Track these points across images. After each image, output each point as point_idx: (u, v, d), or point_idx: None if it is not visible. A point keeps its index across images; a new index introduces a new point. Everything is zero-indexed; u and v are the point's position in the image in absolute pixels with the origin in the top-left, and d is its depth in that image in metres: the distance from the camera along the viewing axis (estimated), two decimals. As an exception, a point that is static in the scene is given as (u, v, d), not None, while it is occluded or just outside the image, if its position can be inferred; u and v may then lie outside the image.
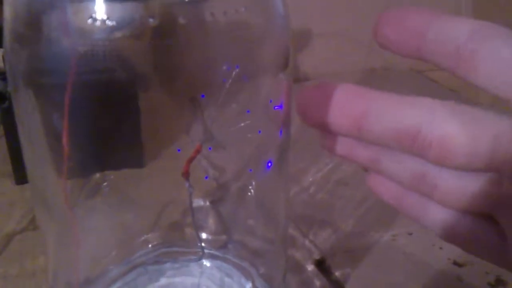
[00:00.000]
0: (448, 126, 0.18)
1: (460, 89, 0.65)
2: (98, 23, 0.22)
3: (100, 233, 0.32)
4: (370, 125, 0.19)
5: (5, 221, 0.41)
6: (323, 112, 0.20)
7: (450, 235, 0.21)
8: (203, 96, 0.25)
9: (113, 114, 0.29)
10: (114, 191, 0.33)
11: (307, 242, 0.40)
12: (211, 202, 0.35)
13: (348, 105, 0.19)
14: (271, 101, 0.25)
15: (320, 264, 0.38)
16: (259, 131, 0.26)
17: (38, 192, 0.28)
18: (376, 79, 0.72)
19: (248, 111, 0.26)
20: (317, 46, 0.70)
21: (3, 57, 0.48)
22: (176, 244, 0.34)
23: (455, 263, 0.38)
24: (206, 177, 0.31)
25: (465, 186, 0.19)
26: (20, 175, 0.45)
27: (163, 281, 0.32)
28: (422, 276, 0.37)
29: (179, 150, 0.28)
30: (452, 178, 0.19)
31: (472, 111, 0.18)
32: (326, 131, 0.21)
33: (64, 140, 0.26)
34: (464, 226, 0.20)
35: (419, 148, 0.18)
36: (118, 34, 0.23)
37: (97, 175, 0.32)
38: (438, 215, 0.21)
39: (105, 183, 0.32)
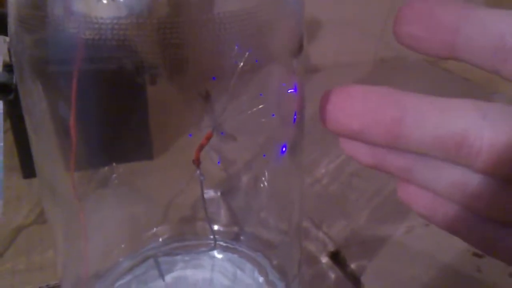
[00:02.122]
0: (500, 131, 0.16)
1: (474, 78, 0.63)
2: (104, 0, 0.21)
3: (109, 226, 0.32)
4: (408, 133, 0.17)
5: (12, 215, 0.40)
6: (351, 119, 0.18)
7: (490, 248, 0.19)
8: (214, 78, 0.24)
9: (121, 105, 0.29)
10: (123, 183, 0.32)
11: (321, 234, 0.39)
12: (222, 193, 0.34)
13: (381, 110, 0.17)
14: (284, 85, 0.24)
15: (335, 256, 0.37)
16: (273, 115, 0.25)
17: (46, 184, 0.28)
18: (388, 69, 0.71)
19: (261, 95, 0.25)
20: (327, 36, 0.69)
21: (8, 49, 0.48)
22: (186, 237, 0.33)
23: (475, 254, 0.37)
24: (219, 163, 0.30)
25: None
26: (28, 169, 0.45)
27: (174, 274, 0.31)
28: (440, 267, 0.36)
29: (190, 135, 0.27)
30: (499, 189, 0.17)
31: None
32: (355, 140, 0.19)
33: (72, 130, 0.25)
34: (509, 239, 0.18)
35: (465, 157, 0.16)
36: (125, 15, 0.22)
37: (106, 167, 0.32)
38: (477, 228, 0.19)
39: (114, 175, 0.32)
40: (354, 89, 0.18)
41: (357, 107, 0.18)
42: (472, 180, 0.18)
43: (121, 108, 0.29)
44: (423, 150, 0.17)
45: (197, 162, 0.25)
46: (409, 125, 0.17)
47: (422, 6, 0.18)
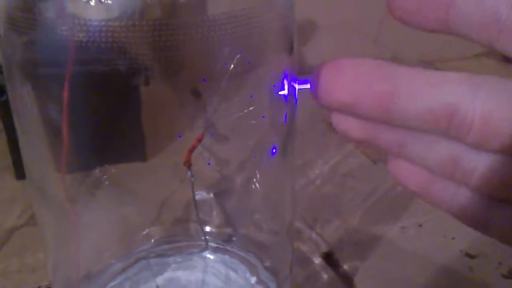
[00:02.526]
0: (492, 104, 0.16)
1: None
2: (92, 2, 0.21)
3: (101, 227, 0.32)
4: (400, 106, 0.17)
5: (5, 216, 0.40)
6: (343, 91, 0.18)
7: (482, 224, 0.19)
8: (204, 80, 0.24)
9: (113, 107, 0.29)
10: (115, 185, 0.32)
11: (314, 235, 0.39)
12: (214, 194, 0.34)
13: (373, 83, 0.17)
14: (274, 86, 0.24)
15: (328, 257, 0.37)
16: (263, 117, 0.25)
17: (36, 186, 0.28)
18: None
19: (251, 96, 0.25)
20: (322, 38, 0.69)
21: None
22: (179, 238, 0.33)
23: (467, 254, 0.37)
24: (209, 164, 0.30)
25: (507, 171, 0.17)
26: (21, 170, 0.44)
27: (166, 275, 0.31)
28: (433, 267, 0.36)
29: (180, 136, 0.27)
30: (492, 162, 0.17)
31: None
32: (347, 114, 0.18)
33: (64, 132, 0.25)
34: (501, 214, 0.18)
35: (457, 129, 0.16)
36: (116, 16, 0.22)
37: (98, 169, 0.32)
38: (470, 202, 0.18)
39: (105, 177, 0.32)
40: (345, 62, 0.18)
41: (349, 79, 0.18)
42: (464, 155, 0.17)
43: (113, 109, 0.29)
44: (416, 123, 0.17)
45: (188, 164, 0.25)
46: (401, 98, 0.17)
47: None
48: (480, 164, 0.17)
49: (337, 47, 0.70)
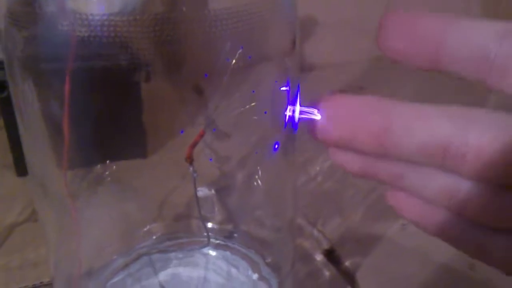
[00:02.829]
0: (484, 138, 0.16)
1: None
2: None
3: (103, 223, 0.32)
4: (395, 141, 0.17)
5: (6, 213, 0.40)
6: (340, 128, 0.18)
7: (481, 254, 0.19)
8: (206, 75, 0.24)
9: (114, 103, 0.28)
10: (116, 181, 0.32)
11: (315, 232, 0.39)
12: (216, 191, 0.34)
13: (368, 119, 0.18)
14: (276, 82, 0.24)
15: (329, 254, 0.37)
16: (265, 112, 0.25)
17: (38, 182, 0.28)
18: (384, 68, 0.71)
19: (253, 92, 0.25)
20: (322, 35, 0.69)
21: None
22: (180, 234, 0.33)
23: (469, 251, 0.37)
24: (211, 159, 0.30)
25: (502, 202, 0.17)
26: (21, 167, 0.44)
27: (167, 271, 0.31)
28: (434, 265, 0.36)
29: (182, 131, 0.27)
30: (489, 193, 0.17)
31: (508, 118, 0.16)
32: (344, 149, 0.19)
33: (65, 128, 0.25)
34: (499, 244, 0.18)
35: (452, 163, 0.16)
36: (117, 11, 0.22)
37: (99, 165, 0.32)
38: (467, 232, 0.19)
39: (106, 173, 0.32)
40: (340, 100, 0.18)
41: (345, 116, 0.18)
42: (461, 186, 0.18)
43: (114, 106, 0.29)
44: (411, 157, 0.17)
45: (189, 160, 0.25)
46: (396, 133, 0.17)
47: (402, 18, 0.18)
48: (475, 195, 0.18)
49: (337, 45, 0.70)
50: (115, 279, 0.30)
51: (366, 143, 0.18)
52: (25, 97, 0.25)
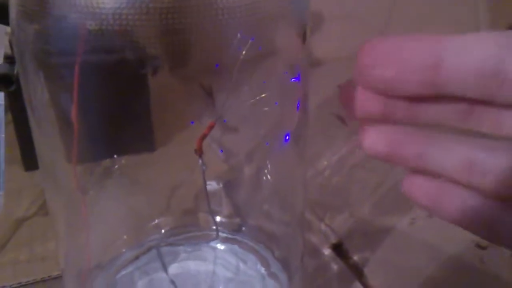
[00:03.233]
0: None
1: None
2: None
3: (112, 217, 0.32)
4: (448, 67, 0.16)
5: (14, 207, 0.40)
6: (390, 70, 0.17)
7: (494, 233, 0.19)
8: (217, 65, 0.24)
9: (122, 96, 0.28)
10: (125, 175, 0.32)
11: (323, 226, 0.39)
12: (224, 185, 0.34)
13: (419, 54, 0.17)
14: (287, 73, 0.24)
15: (337, 248, 0.37)
16: (276, 103, 0.25)
17: (48, 176, 0.28)
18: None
19: (264, 82, 0.25)
20: (329, 29, 0.69)
21: (9, 41, 0.48)
22: (188, 229, 0.33)
23: (478, 245, 0.37)
24: (221, 151, 0.29)
25: None
26: (29, 162, 0.45)
27: (176, 265, 0.31)
28: (443, 258, 0.36)
29: (192, 122, 0.27)
30: (505, 163, 0.17)
31: None
32: (391, 94, 0.18)
33: (74, 122, 0.25)
34: (507, 224, 0.18)
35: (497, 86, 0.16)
36: (126, 2, 0.22)
37: (108, 159, 0.32)
38: (481, 210, 0.19)
39: (116, 166, 0.32)
40: (387, 39, 0.18)
41: (391, 53, 0.17)
42: (479, 157, 0.18)
43: (123, 99, 0.29)
44: (466, 86, 0.17)
45: (199, 152, 0.25)
46: (449, 59, 0.16)
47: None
48: (494, 164, 0.17)
49: (343, 39, 0.70)
50: (124, 272, 0.30)
51: (415, 80, 0.17)
52: (36, 90, 0.25)
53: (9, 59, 0.43)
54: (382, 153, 0.20)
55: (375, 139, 0.20)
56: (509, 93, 0.16)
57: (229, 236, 0.32)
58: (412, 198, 0.20)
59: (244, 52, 0.23)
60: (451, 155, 0.18)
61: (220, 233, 0.32)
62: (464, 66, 0.16)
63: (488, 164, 0.18)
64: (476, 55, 0.16)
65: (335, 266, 0.35)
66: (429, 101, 0.18)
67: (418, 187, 0.20)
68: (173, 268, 0.31)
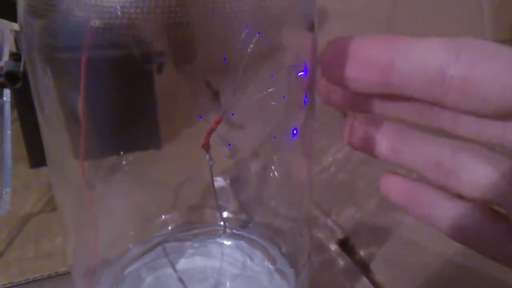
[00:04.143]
0: (468, 68, 0.16)
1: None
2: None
3: (119, 213, 0.32)
4: (399, 70, 0.17)
5: (20, 204, 0.40)
6: (348, 69, 0.18)
7: (458, 233, 0.20)
8: (225, 59, 0.24)
9: (129, 93, 0.28)
10: (132, 171, 0.32)
11: (329, 222, 0.39)
12: (231, 181, 0.34)
13: (373, 57, 0.18)
14: (293, 66, 0.24)
15: (344, 244, 0.37)
16: (284, 97, 0.25)
17: (56, 172, 0.28)
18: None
19: (272, 76, 0.25)
20: (333, 25, 0.68)
21: (14, 39, 0.48)
22: (195, 225, 0.33)
23: (485, 240, 0.36)
24: (230, 145, 0.29)
25: (483, 172, 0.18)
26: (35, 159, 0.45)
27: (183, 261, 0.31)
28: (449, 254, 0.36)
29: (200, 117, 0.27)
30: (470, 164, 0.18)
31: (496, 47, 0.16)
32: (354, 96, 0.20)
33: (81, 118, 0.25)
34: (474, 224, 0.19)
35: (439, 89, 0.17)
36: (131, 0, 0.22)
37: (114, 156, 0.32)
38: (446, 212, 0.20)
39: (123, 163, 0.32)
40: (346, 41, 0.19)
41: (351, 56, 0.18)
42: (446, 158, 0.19)
43: (129, 96, 0.29)
44: (413, 87, 0.17)
45: (206, 147, 0.25)
46: (400, 63, 0.17)
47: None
48: (459, 165, 0.18)
49: (347, 35, 0.70)
50: (131, 268, 0.30)
51: (372, 78, 0.18)
52: (44, 86, 0.25)
53: (15, 56, 0.43)
54: (359, 146, 0.21)
55: (352, 132, 0.21)
56: (455, 98, 0.17)
57: (236, 232, 0.32)
58: (388, 197, 0.21)
59: (251, 47, 0.23)
60: (421, 153, 0.19)
61: (227, 229, 0.32)
62: (412, 70, 0.17)
63: (453, 165, 0.19)
64: (423, 59, 0.17)
65: (341, 261, 0.35)
66: (388, 98, 0.19)
67: (393, 186, 0.21)
68: (180, 264, 0.31)
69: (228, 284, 0.30)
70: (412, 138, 0.20)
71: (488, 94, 0.16)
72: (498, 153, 0.18)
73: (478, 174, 0.18)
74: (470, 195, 0.19)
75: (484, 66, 0.16)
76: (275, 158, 0.30)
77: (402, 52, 0.17)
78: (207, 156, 0.26)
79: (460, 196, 0.19)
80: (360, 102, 0.20)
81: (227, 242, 0.32)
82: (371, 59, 0.18)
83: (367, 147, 0.21)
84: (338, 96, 0.21)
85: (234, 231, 0.32)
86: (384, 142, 0.20)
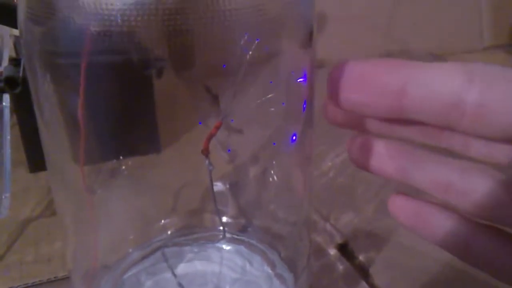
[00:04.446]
0: (484, 94, 0.16)
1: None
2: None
3: (118, 218, 0.32)
4: (412, 96, 0.17)
5: (20, 208, 0.40)
6: (357, 94, 0.18)
7: (470, 255, 0.20)
8: (224, 66, 0.24)
9: (128, 98, 0.28)
10: (131, 176, 0.32)
11: (328, 226, 0.39)
12: (230, 185, 0.34)
13: (386, 80, 0.17)
14: (293, 73, 0.24)
15: (343, 248, 0.37)
16: (283, 103, 0.25)
17: (56, 177, 0.28)
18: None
19: (271, 82, 0.25)
20: (332, 30, 0.69)
21: (14, 44, 0.48)
22: (195, 230, 0.33)
23: (484, 245, 0.36)
24: (229, 150, 0.30)
25: (494, 194, 0.18)
26: (34, 164, 0.45)
27: (182, 265, 0.31)
28: (449, 259, 0.35)
29: (200, 123, 0.27)
30: (480, 186, 0.18)
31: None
32: (362, 117, 0.19)
33: (80, 123, 0.25)
34: (487, 246, 0.19)
35: (454, 117, 0.17)
36: (130, 3, 0.22)
37: (114, 161, 0.32)
38: (457, 234, 0.19)
39: (123, 167, 0.32)
40: (354, 64, 0.18)
41: (363, 81, 0.18)
42: (455, 179, 0.19)
43: (128, 101, 0.29)
44: (426, 113, 0.17)
45: (206, 152, 0.25)
46: (413, 89, 0.17)
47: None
48: (469, 187, 0.18)
49: (347, 40, 0.70)
50: (131, 273, 0.30)
51: (384, 104, 0.18)
52: (44, 91, 0.25)
53: (14, 61, 0.44)
54: (368, 168, 0.21)
55: (359, 151, 0.21)
56: (469, 124, 0.17)
57: (235, 236, 0.32)
58: (396, 218, 0.21)
59: (250, 53, 0.23)
60: (430, 174, 0.19)
61: (226, 234, 0.32)
62: (425, 95, 0.17)
63: (463, 186, 0.18)
64: (437, 85, 0.17)
65: (340, 266, 0.35)
66: (398, 121, 0.19)
67: (399, 207, 0.21)
68: (179, 269, 0.31)
69: (227, 288, 0.31)
70: (419, 159, 0.19)
71: (501, 121, 0.16)
72: (506, 173, 0.18)
73: (488, 196, 0.18)
74: (480, 217, 0.19)
75: (496, 92, 0.16)
76: (274, 163, 0.31)
77: (415, 77, 0.17)
78: (207, 162, 0.26)
79: (470, 218, 0.19)
80: (368, 124, 0.20)
81: (227, 247, 0.32)
82: (382, 84, 0.18)
83: (373, 167, 0.21)
84: (345, 118, 0.20)
85: (233, 235, 0.32)
86: (391, 163, 0.20)
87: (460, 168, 0.19)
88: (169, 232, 0.33)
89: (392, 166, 0.20)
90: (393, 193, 0.21)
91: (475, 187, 0.18)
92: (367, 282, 0.34)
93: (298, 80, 0.24)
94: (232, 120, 0.25)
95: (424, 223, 0.20)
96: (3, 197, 0.36)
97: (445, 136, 0.19)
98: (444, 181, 0.19)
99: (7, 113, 0.39)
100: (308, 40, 0.24)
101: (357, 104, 0.18)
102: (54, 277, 0.34)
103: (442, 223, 0.20)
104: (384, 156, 0.20)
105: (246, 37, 0.23)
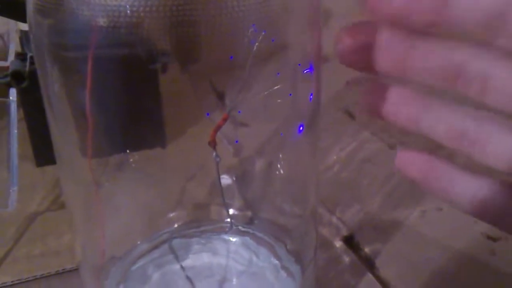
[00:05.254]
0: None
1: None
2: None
3: (126, 210, 0.32)
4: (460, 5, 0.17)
5: (27, 203, 0.40)
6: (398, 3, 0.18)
7: (480, 209, 0.19)
8: (231, 57, 0.24)
9: (134, 92, 0.29)
10: (139, 169, 0.32)
11: (334, 219, 0.39)
12: (236, 178, 0.34)
13: None
14: (299, 65, 0.24)
15: (349, 241, 0.37)
16: (290, 94, 0.25)
17: (65, 170, 0.28)
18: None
19: (278, 74, 0.25)
20: (337, 26, 0.69)
21: (20, 39, 0.48)
22: (202, 222, 0.34)
23: (489, 237, 0.37)
24: (236, 141, 0.30)
25: (510, 143, 0.17)
26: (41, 158, 0.45)
27: (189, 257, 0.31)
28: (454, 251, 0.36)
29: (208, 114, 0.27)
30: (496, 135, 0.18)
31: None
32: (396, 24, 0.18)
33: (88, 116, 0.25)
34: (498, 199, 0.18)
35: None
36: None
37: (121, 154, 0.32)
38: (467, 188, 0.19)
39: (130, 160, 0.32)
40: None
41: None
42: (470, 127, 0.18)
43: (134, 95, 0.29)
44: (469, 17, 0.17)
45: (213, 143, 0.25)
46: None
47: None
48: (484, 135, 0.18)
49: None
50: (138, 264, 0.30)
51: (422, 12, 0.17)
52: (52, 84, 0.25)
53: (21, 56, 0.44)
54: (381, 114, 0.20)
55: (371, 97, 0.21)
56: (478, 92, 0.17)
57: (242, 229, 0.33)
58: (403, 170, 0.21)
59: (256, 45, 0.23)
60: (444, 122, 0.19)
61: (233, 226, 0.32)
62: (468, 10, 0.16)
63: (478, 134, 0.18)
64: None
65: (346, 258, 0.36)
66: (421, 54, 0.18)
67: (409, 161, 0.20)
68: (186, 261, 0.31)
69: (234, 280, 0.31)
70: (433, 106, 0.19)
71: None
72: None
73: (504, 145, 0.18)
74: (495, 166, 0.18)
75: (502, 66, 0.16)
76: (280, 155, 0.31)
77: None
78: (214, 153, 0.26)
79: (481, 172, 0.19)
80: (385, 62, 0.20)
81: (233, 239, 0.32)
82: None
83: (385, 114, 0.21)
84: (362, 56, 0.20)
85: (240, 228, 0.33)
86: (404, 110, 0.20)
87: (476, 117, 0.18)
88: (176, 225, 0.33)
89: (405, 113, 0.20)
90: (397, 151, 0.21)
91: (491, 137, 0.18)
92: (373, 274, 0.34)
93: (305, 71, 0.24)
94: (239, 112, 0.26)
95: (435, 176, 0.20)
96: (11, 190, 0.36)
97: (462, 78, 0.18)
98: (459, 128, 0.18)
99: (14, 107, 0.40)
100: (315, 31, 0.24)
101: (399, 8, 0.17)
102: (62, 269, 0.34)
103: (455, 177, 0.19)
104: (397, 103, 0.20)
105: (252, 29, 0.23)
